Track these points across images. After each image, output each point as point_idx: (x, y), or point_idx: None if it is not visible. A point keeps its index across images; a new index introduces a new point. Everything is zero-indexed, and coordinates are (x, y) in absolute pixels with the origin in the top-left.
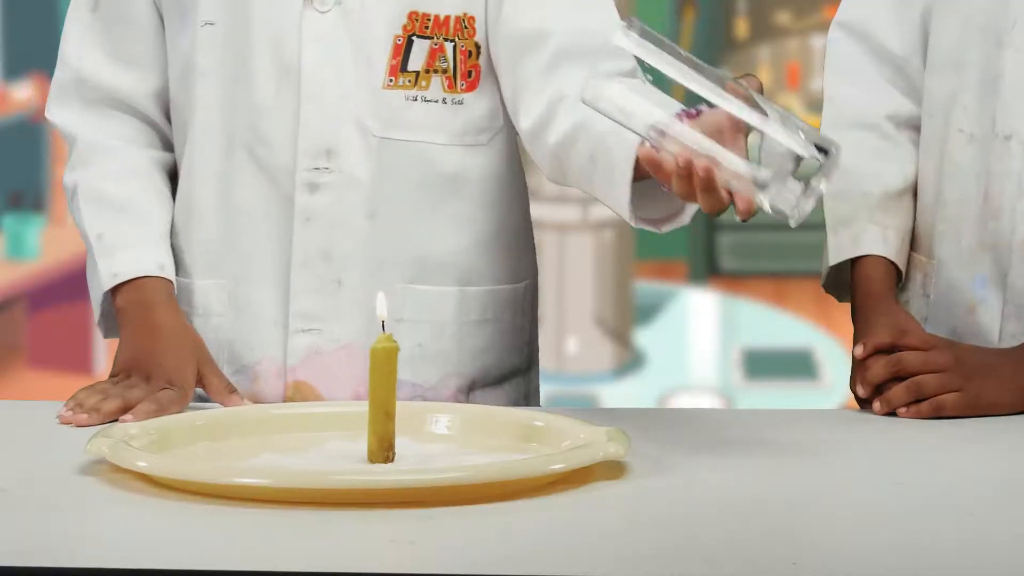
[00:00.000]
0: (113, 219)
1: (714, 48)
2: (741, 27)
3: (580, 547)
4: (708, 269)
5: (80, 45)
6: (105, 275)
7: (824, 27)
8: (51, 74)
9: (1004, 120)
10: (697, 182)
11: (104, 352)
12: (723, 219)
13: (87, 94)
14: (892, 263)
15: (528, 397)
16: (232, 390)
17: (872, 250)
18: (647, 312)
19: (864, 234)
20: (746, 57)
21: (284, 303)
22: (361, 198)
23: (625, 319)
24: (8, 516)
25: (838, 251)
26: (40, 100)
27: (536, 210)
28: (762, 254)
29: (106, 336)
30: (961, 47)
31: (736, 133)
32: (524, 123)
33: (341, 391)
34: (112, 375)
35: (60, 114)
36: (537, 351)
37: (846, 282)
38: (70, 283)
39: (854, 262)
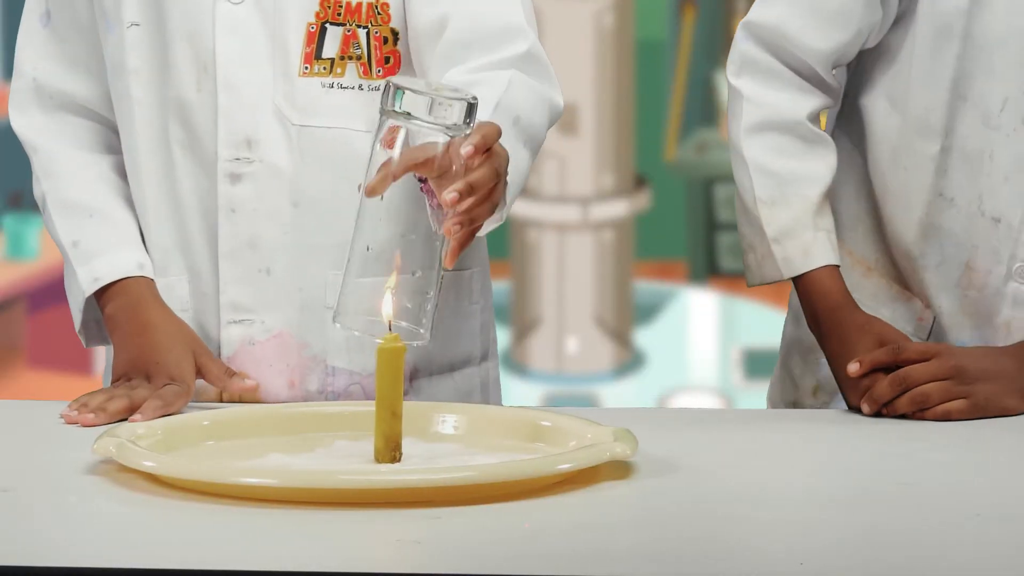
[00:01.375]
0: (86, 225)
1: (714, 48)
2: None
3: (587, 547)
4: (708, 269)
5: (34, 54)
6: (86, 281)
7: None
8: None
9: (992, 203)
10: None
11: (103, 352)
12: (723, 219)
13: (44, 101)
14: (836, 265)
15: (485, 389)
16: (231, 373)
17: (825, 261)
18: (647, 312)
19: (814, 245)
20: None
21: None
22: (283, 187)
23: (625, 319)
24: (15, 516)
25: (789, 265)
26: None
27: (536, 210)
28: None
29: (87, 344)
30: (947, 116)
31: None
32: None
33: (275, 380)
34: (113, 381)
35: (21, 121)
36: (494, 342)
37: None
38: None
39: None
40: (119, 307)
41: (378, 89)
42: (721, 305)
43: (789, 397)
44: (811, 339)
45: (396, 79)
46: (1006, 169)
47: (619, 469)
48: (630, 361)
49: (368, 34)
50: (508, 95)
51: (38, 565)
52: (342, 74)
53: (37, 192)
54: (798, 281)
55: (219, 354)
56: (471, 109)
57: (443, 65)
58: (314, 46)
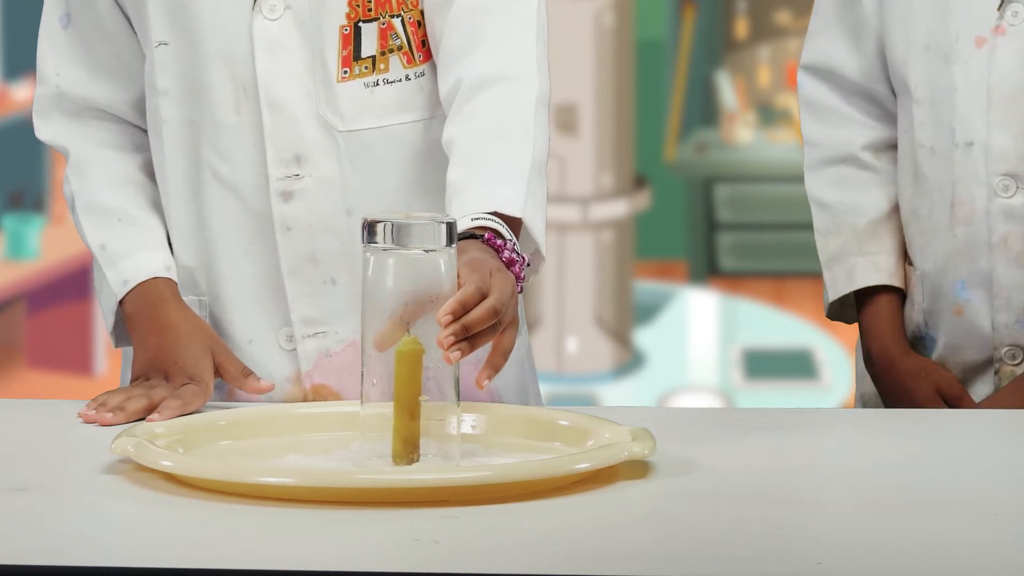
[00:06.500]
0: (113, 229)
1: (714, 48)
2: (741, 27)
3: (605, 546)
4: (708, 269)
5: (56, 60)
6: (116, 284)
7: None
8: None
9: (963, 129)
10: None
11: (104, 352)
12: (723, 219)
13: (68, 107)
14: (892, 286)
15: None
16: (248, 373)
17: (867, 282)
18: (647, 312)
19: (856, 269)
20: (746, 57)
21: (275, 315)
22: (335, 197)
23: (625, 319)
24: (32, 515)
25: (834, 287)
26: None
27: None
28: (762, 254)
29: (117, 345)
30: (907, 66)
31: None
32: (440, 89)
33: (356, 387)
34: (132, 381)
35: (47, 130)
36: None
37: (848, 303)
38: (70, 283)
39: (857, 291)
40: (138, 307)
41: (423, 75)
42: (721, 305)
43: (860, 390)
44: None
45: (372, 214)
46: (970, 93)
47: (637, 468)
48: (630, 361)
49: (403, 22)
50: (534, 164)
51: (55, 564)
52: (386, 69)
53: (67, 191)
54: (856, 300)
55: (297, 370)
56: (447, 228)
57: (455, 29)
58: (350, 48)
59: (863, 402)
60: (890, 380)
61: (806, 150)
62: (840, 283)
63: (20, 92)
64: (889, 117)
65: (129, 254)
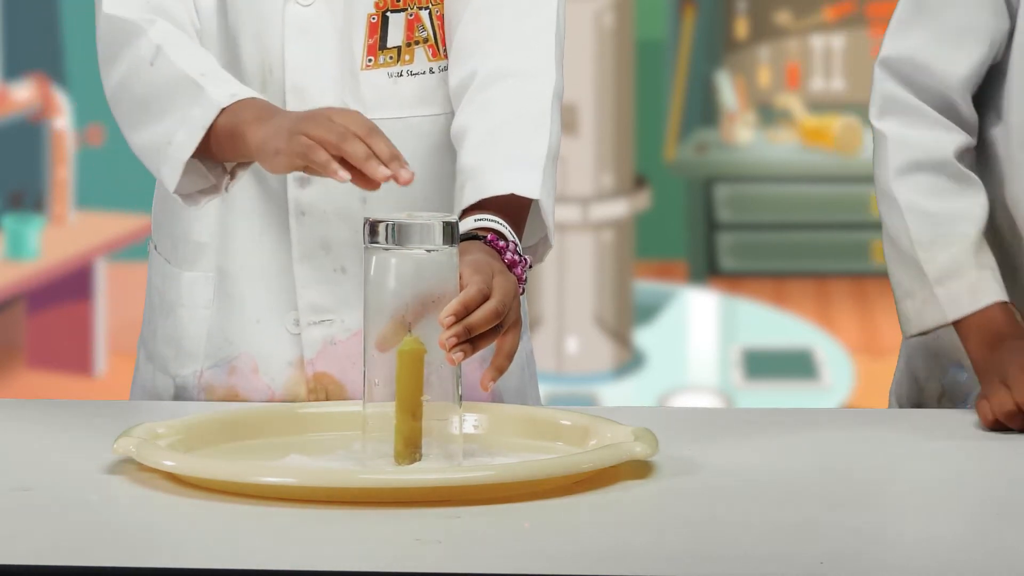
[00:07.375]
0: (215, 66)
1: (714, 48)
2: (741, 27)
3: (606, 546)
4: (708, 269)
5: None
6: (221, 96)
7: (824, 27)
8: (51, 74)
9: None
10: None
11: (104, 352)
12: (723, 219)
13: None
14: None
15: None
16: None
17: (993, 298)
18: (647, 312)
19: (980, 283)
20: (746, 57)
21: (284, 298)
22: (351, 185)
23: (625, 319)
24: (35, 515)
25: (956, 306)
26: (40, 100)
27: None
28: (762, 254)
29: (188, 203)
30: None
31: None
32: (451, 80)
33: (359, 377)
34: (291, 139)
35: (121, 9)
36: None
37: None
38: (70, 283)
39: None
40: (244, 105)
41: (446, 70)
42: (721, 305)
43: (915, 398)
44: (937, 344)
45: (373, 215)
46: None
47: (639, 469)
48: (630, 361)
49: (430, 14)
50: (549, 152)
51: (56, 564)
52: (411, 60)
53: (146, 50)
54: (966, 318)
55: (301, 355)
56: (449, 228)
57: (473, 22)
58: (377, 37)
59: (898, 403)
60: (1006, 349)
61: (891, 149)
62: (964, 300)
63: (20, 92)
64: (967, 126)
65: (230, 81)
